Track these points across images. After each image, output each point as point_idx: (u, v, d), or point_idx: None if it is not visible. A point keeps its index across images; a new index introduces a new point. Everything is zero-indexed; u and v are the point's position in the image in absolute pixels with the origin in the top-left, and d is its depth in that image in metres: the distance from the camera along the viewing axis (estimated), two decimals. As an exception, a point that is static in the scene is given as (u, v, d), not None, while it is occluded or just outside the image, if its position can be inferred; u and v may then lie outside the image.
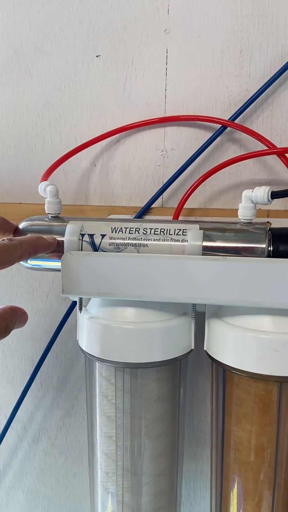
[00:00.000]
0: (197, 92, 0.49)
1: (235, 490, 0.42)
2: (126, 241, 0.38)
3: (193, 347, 0.42)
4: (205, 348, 0.42)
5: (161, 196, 0.51)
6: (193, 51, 0.48)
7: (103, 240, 0.39)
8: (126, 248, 0.38)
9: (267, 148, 0.46)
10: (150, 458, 0.43)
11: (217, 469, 0.44)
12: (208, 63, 0.48)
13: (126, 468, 0.42)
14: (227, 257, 0.36)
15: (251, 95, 0.47)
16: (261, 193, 0.37)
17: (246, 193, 0.38)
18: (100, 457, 0.44)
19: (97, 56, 0.50)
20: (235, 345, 0.39)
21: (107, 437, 0.43)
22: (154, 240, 0.38)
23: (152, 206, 0.51)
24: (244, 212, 0.38)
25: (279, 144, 0.48)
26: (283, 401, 0.39)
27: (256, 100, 0.47)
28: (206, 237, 0.38)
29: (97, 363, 0.42)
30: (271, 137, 0.48)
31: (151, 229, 0.38)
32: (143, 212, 0.50)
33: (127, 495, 0.43)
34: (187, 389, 0.48)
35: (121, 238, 0.38)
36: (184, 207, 0.49)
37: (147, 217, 0.51)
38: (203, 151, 0.49)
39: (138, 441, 0.42)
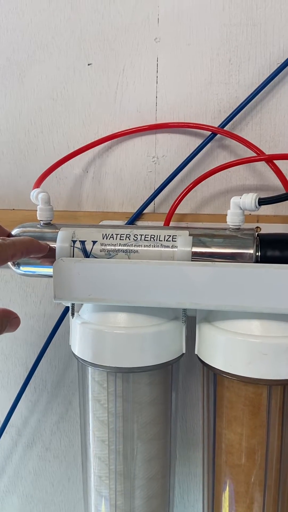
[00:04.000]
0: (187, 99, 0.50)
1: (226, 493, 0.43)
2: (117, 247, 0.39)
3: (184, 351, 0.43)
4: (196, 352, 0.42)
5: (153, 202, 0.52)
6: (183, 60, 0.49)
7: (94, 247, 0.39)
8: (117, 254, 0.39)
9: (256, 154, 0.47)
10: (143, 461, 0.43)
11: (209, 471, 0.44)
12: (198, 71, 0.49)
13: (119, 472, 0.43)
14: (216, 262, 0.37)
15: (240, 102, 0.48)
16: (249, 199, 0.37)
17: (234, 199, 0.38)
18: (93, 461, 0.44)
19: (88, 65, 0.51)
20: (225, 349, 0.40)
21: (100, 441, 0.43)
22: (144, 246, 0.39)
23: (144, 211, 0.51)
24: (233, 218, 0.39)
25: (268, 150, 0.49)
26: (272, 404, 0.40)
27: (245, 108, 0.48)
28: (195, 243, 0.38)
29: (89, 368, 0.42)
30: (260, 144, 0.49)
31: (141, 235, 0.39)
32: (135, 217, 0.51)
33: (120, 499, 0.43)
34: (179, 392, 0.48)
35: (112, 245, 0.39)
36: (176, 212, 0.49)
37: (139, 222, 0.52)
38: (193, 157, 0.50)
39: (131, 444, 0.42)
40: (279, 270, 0.36)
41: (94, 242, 0.39)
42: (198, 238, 0.39)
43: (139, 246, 0.39)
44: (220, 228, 0.40)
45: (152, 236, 0.39)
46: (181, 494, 0.58)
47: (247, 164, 0.50)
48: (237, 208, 0.38)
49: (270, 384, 0.39)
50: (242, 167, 0.50)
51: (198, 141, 0.50)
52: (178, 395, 0.47)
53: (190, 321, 0.43)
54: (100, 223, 0.51)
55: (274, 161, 0.46)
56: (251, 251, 0.38)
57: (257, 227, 0.48)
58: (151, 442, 0.43)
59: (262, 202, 0.37)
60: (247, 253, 0.38)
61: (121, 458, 0.42)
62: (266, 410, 0.40)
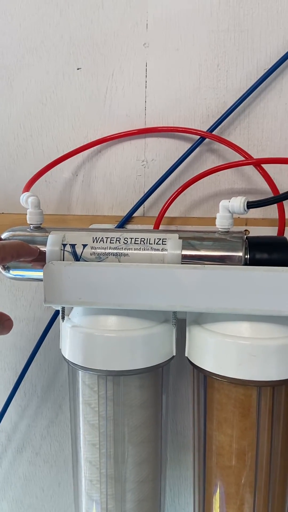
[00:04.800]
0: (176, 104, 0.50)
1: (217, 494, 0.43)
2: (107, 251, 0.39)
3: (174, 354, 0.43)
4: (186, 355, 0.42)
5: (142, 205, 0.52)
6: (171, 65, 0.50)
7: (84, 250, 0.39)
8: (107, 257, 0.39)
9: (244, 158, 0.47)
10: (134, 464, 0.43)
11: (200, 474, 0.44)
12: (186, 76, 0.50)
13: (110, 476, 0.43)
14: (206, 265, 0.37)
15: (228, 107, 0.49)
16: (237, 203, 0.38)
17: (223, 203, 0.39)
18: (84, 465, 0.44)
19: (78, 69, 0.51)
20: (215, 351, 0.40)
21: (91, 445, 0.43)
22: (134, 249, 0.39)
23: (133, 215, 0.52)
24: (222, 222, 0.39)
25: (256, 154, 0.49)
26: (262, 405, 0.40)
27: (233, 112, 0.49)
28: (185, 246, 0.39)
29: (80, 372, 0.42)
30: (248, 148, 0.49)
31: (131, 238, 0.39)
32: (125, 221, 0.51)
33: (111, 502, 0.43)
34: (170, 395, 0.49)
35: (102, 248, 0.39)
36: (165, 216, 0.50)
37: (128, 226, 0.52)
38: (182, 161, 0.50)
39: (122, 448, 0.42)
40: (268, 273, 0.36)
41: (84, 246, 0.39)
42: (187, 241, 0.39)
43: (129, 249, 0.39)
44: (210, 231, 0.40)
45: (142, 240, 0.39)
46: (172, 497, 0.58)
47: (236, 168, 0.50)
48: (226, 212, 0.39)
49: (260, 385, 0.39)
50: (231, 171, 0.51)
51: (187, 145, 0.51)
52: (168, 397, 0.47)
53: (180, 323, 0.43)
54: (90, 227, 0.52)
55: (262, 165, 0.46)
56: (241, 254, 0.38)
57: (245, 230, 0.49)
58: (141, 445, 0.43)
59: (250, 205, 0.38)
60: (236, 255, 0.38)
61: (112, 462, 0.42)
62: (256, 411, 0.40)
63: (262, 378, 0.39)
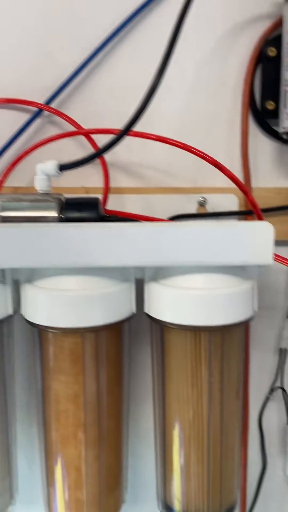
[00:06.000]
0: (16, 78, 0.52)
1: (57, 437, 0.47)
2: None
3: (10, 313, 0.46)
4: (21, 312, 0.45)
5: (-12, 175, 0.54)
6: (7, 42, 0.51)
7: None
8: None
9: (76, 129, 0.51)
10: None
11: (41, 421, 0.48)
12: (24, 52, 0.52)
13: None
14: (22, 224, 0.40)
15: (63, 81, 0.52)
16: (50, 166, 0.41)
17: (38, 166, 0.42)
18: None
19: None
20: (46, 305, 0.43)
21: None
22: None
23: (-21, 184, 0.53)
24: (40, 184, 0.42)
25: (92, 126, 0.53)
26: (87, 350, 0.44)
27: (71, 87, 0.52)
28: (5, 208, 0.41)
29: None
30: (85, 120, 0.53)
31: None
32: None
33: None
34: (12, 353, 0.50)
35: None
36: (10, 185, 0.52)
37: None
38: (21, 132, 0.52)
39: None
40: (75, 229, 0.40)
41: None
42: (7, 203, 0.41)
43: None
44: (31, 193, 0.43)
45: None
46: (24, 447, 0.59)
47: (76, 139, 0.53)
48: (42, 174, 0.42)
49: (84, 331, 0.43)
50: (72, 143, 0.54)
51: (28, 117, 0.53)
52: (11, 355, 0.49)
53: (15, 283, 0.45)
54: None
55: (91, 135, 0.50)
56: (55, 214, 0.42)
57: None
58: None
59: (62, 167, 0.41)
60: (51, 216, 0.41)
61: None
62: (82, 356, 0.44)
63: (88, 324, 0.43)
